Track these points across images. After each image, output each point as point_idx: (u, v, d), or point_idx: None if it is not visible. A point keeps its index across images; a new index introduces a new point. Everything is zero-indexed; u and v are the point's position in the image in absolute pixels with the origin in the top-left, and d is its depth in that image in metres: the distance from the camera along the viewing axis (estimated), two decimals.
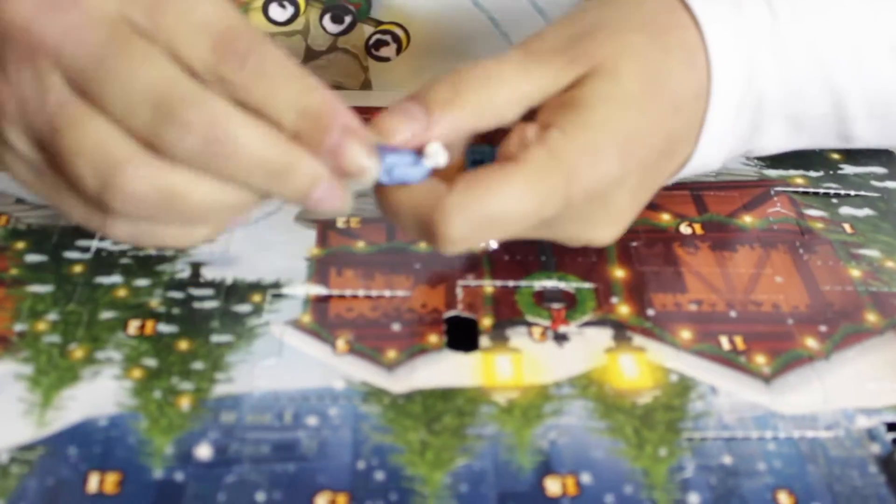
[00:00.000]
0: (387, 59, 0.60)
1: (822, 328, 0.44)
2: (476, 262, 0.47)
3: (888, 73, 0.47)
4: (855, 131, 0.49)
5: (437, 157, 0.38)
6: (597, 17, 0.43)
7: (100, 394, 0.40)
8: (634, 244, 0.48)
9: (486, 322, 0.44)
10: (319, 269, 0.46)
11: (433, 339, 0.43)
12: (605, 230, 0.43)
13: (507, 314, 0.44)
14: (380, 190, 0.39)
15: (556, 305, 0.45)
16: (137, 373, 0.41)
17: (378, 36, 0.59)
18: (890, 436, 0.40)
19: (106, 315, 0.43)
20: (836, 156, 0.56)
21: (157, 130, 0.35)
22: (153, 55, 0.35)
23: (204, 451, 0.38)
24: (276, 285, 0.45)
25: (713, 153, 0.46)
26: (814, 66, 0.46)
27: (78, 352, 0.41)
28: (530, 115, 0.41)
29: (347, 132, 0.36)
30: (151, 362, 0.41)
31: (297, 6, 0.58)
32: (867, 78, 0.47)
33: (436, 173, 0.39)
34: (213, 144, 0.35)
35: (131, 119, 0.35)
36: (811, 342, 0.44)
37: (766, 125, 0.47)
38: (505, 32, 0.58)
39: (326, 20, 0.59)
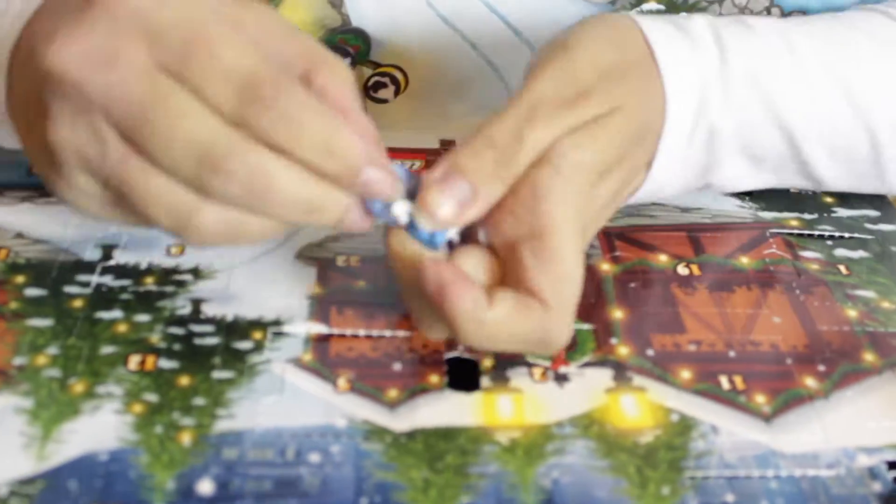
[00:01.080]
0: (385, 101, 0.60)
1: (821, 368, 0.45)
2: None
3: (843, 119, 0.49)
4: (819, 173, 0.50)
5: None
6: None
7: (100, 428, 0.40)
8: (633, 285, 0.49)
9: (487, 363, 0.44)
10: (320, 308, 0.46)
11: (434, 378, 0.43)
12: None
13: (508, 355, 0.44)
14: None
15: None
16: (138, 408, 0.41)
17: (377, 78, 0.60)
18: (891, 474, 0.40)
19: (106, 350, 0.43)
20: (829, 199, 0.57)
21: (203, 181, 0.37)
22: (192, 108, 0.37)
23: (206, 487, 0.38)
24: (277, 323, 0.45)
25: (664, 178, 0.47)
26: (760, 102, 0.48)
27: (78, 386, 0.41)
28: None
29: (373, 167, 0.38)
30: (152, 397, 0.41)
31: None
32: (820, 121, 0.49)
33: None
34: (254, 191, 0.37)
35: (179, 171, 0.37)
36: (810, 381, 0.44)
37: (722, 158, 0.48)
38: (502, 76, 0.59)
39: None
